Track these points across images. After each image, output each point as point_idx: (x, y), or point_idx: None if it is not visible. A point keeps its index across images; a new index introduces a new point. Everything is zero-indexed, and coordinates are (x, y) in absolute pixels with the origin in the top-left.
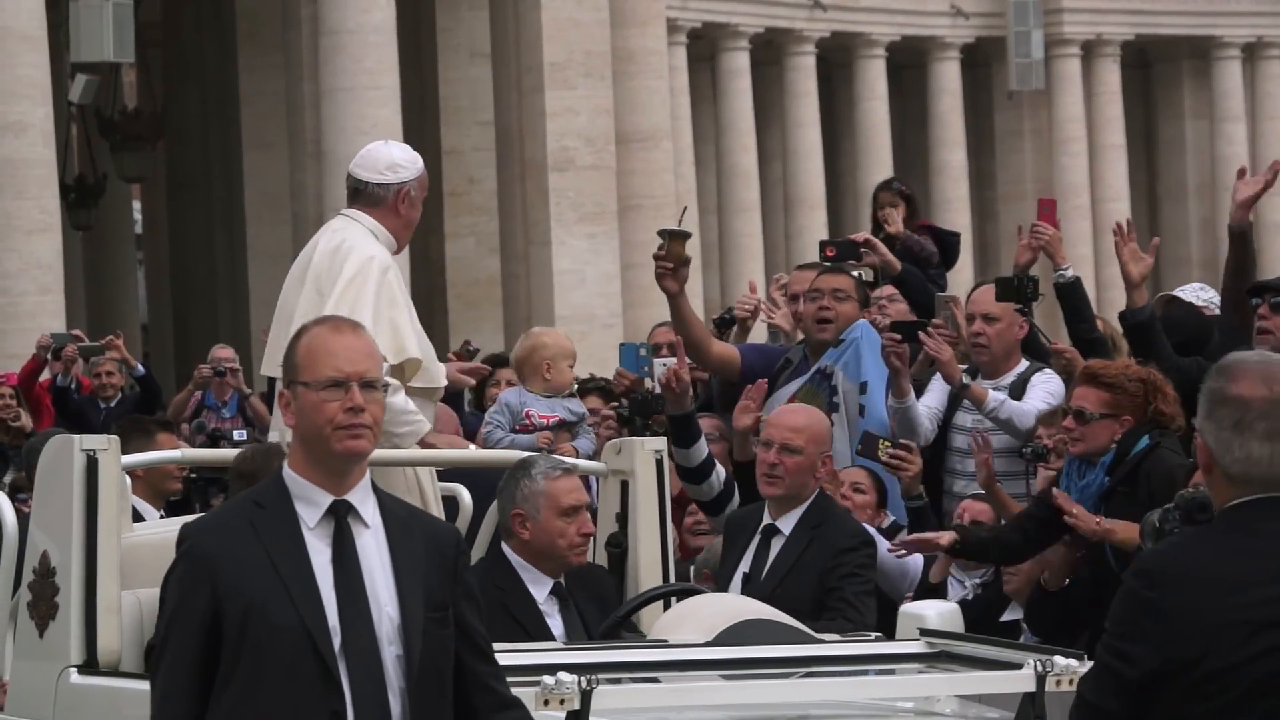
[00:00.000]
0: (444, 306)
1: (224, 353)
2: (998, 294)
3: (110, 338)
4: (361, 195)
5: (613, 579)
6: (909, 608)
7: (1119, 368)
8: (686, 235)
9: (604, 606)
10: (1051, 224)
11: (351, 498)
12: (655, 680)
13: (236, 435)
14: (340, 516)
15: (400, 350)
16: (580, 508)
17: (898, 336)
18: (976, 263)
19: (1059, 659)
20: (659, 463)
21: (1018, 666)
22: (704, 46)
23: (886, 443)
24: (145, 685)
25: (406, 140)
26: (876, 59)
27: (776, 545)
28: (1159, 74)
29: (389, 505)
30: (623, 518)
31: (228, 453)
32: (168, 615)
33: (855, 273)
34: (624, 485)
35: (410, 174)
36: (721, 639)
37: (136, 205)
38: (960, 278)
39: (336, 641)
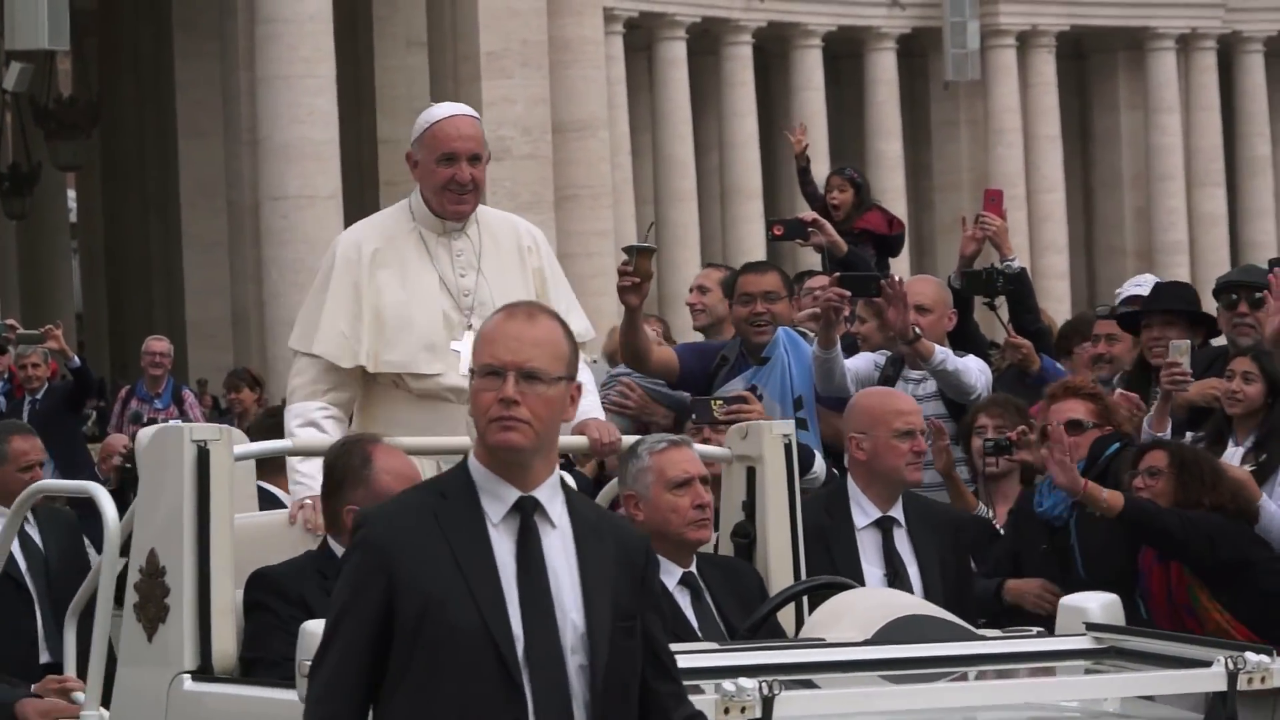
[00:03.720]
0: None
1: (159, 345)
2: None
3: (49, 327)
4: None
5: (758, 576)
6: (1070, 600)
7: (1083, 381)
8: (654, 251)
9: (746, 603)
10: (998, 214)
11: (539, 494)
12: (812, 684)
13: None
14: (526, 514)
15: (309, 340)
16: (691, 479)
17: (847, 293)
18: (913, 252)
19: (1250, 655)
20: (788, 448)
21: (1201, 663)
22: (640, 36)
23: (719, 402)
24: (265, 692)
25: (341, 129)
26: (813, 49)
27: (901, 538)
28: (1094, 65)
29: (578, 506)
30: (749, 506)
31: (326, 440)
32: (338, 606)
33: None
34: (750, 472)
35: (413, 138)
36: (880, 636)
37: (71, 194)
38: (896, 266)
39: (519, 648)
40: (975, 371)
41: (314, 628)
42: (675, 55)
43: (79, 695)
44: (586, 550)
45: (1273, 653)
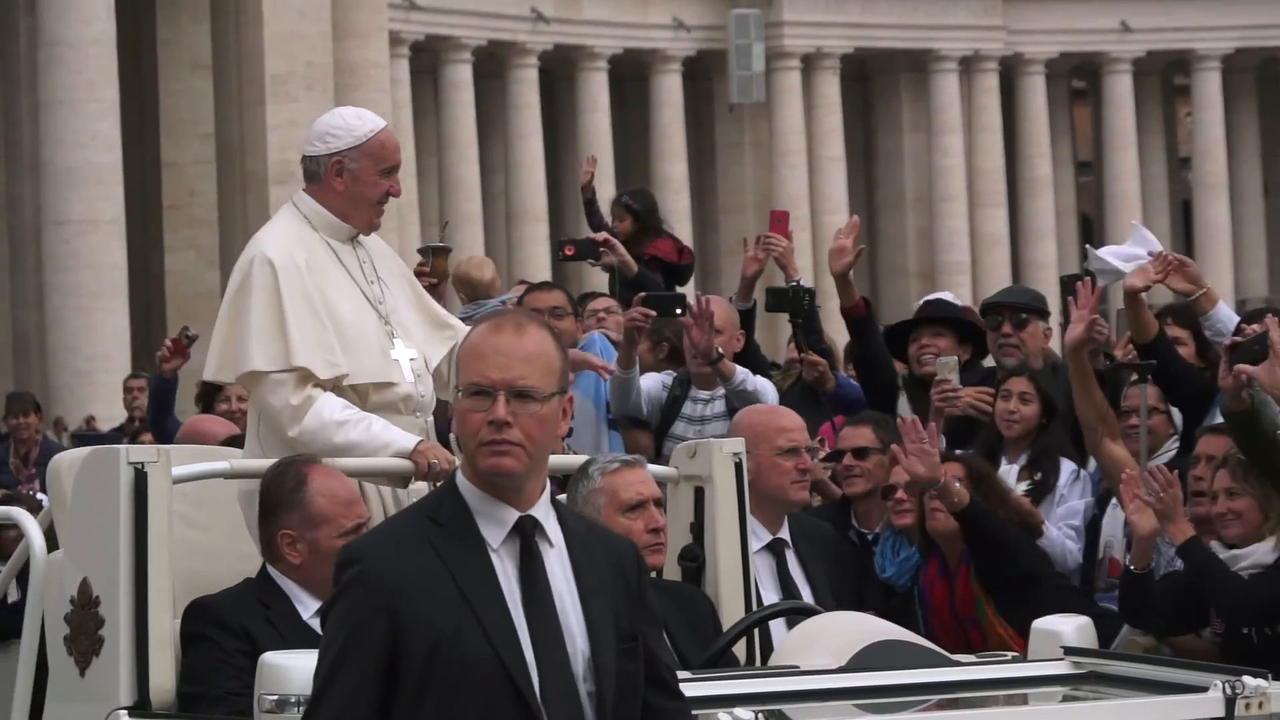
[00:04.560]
0: (163, 320)
1: None
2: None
3: None
4: (305, 173)
5: (710, 602)
6: (1042, 624)
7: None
8: (449, 250)
9: (698, 630)
10: (784, 235)
11: (536, 513)
12: (784, 715)
13: None
14: (527, 535)
15: (283, 357)
16: (645, 502)
17: (651, 312)
18: (699, 274)
19: (1249, 679)
20: (738, 466)
21: (1195, 688)
22: (426, 59)
23: None
24: None
25: (125, 154)
26: (599, 71)
27: (792, 560)
28: (878, 87)
29: (569, 520)
30: (697, 528)
31: (265, 463)
32: (334, 651)
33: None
34: (698, 492)
35: (344, 142)
36: (856, 663)
37: None
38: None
39: (535, 680)
40: (770, 392)
41: (276, 660)
42: (461, 78)
43: None
44: (583, 568)
45: (1269, 676)
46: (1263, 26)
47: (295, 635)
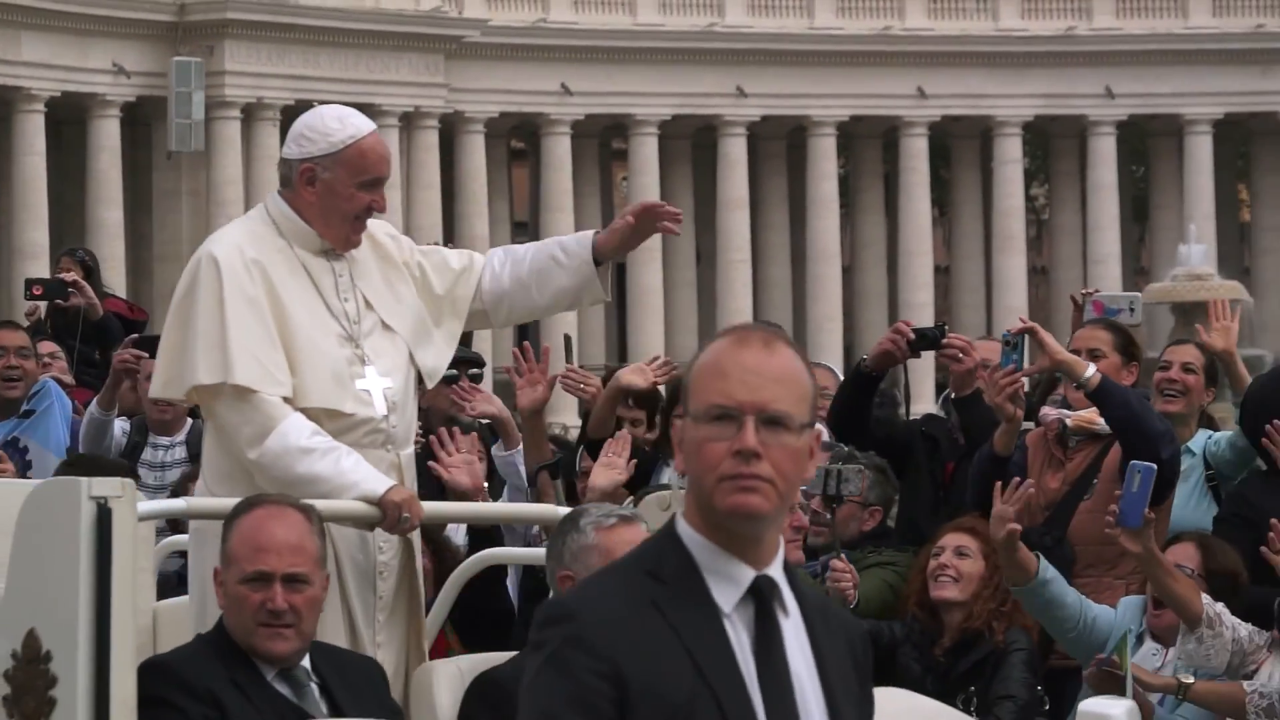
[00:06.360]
0: None
1: None
2: None
3: None
4: (280, 175)
5: None
6: (1090, 706)
7: None
8: None
9: None
10: None
11: (772, 572)
12: None
13: None
14: (764, 598)
15: (222, 369)
16: None
17: (144, 353)
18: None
19: None
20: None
21: None
22: None
23: None
24: None
25: None
26: (35, 114)
27: None
28: None
29: (802, 586)
30: None
31: (227, 502)
32: None
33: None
34: None
35: (318, 147)
36: None
37: None
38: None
39: None
40: None
41: None
42: None
43: None
44: (823, 646)
45: None
46: (700, 94)
47: (265, 702)
